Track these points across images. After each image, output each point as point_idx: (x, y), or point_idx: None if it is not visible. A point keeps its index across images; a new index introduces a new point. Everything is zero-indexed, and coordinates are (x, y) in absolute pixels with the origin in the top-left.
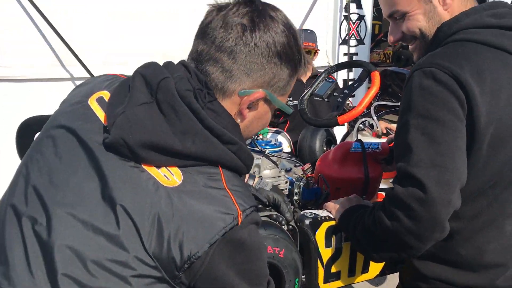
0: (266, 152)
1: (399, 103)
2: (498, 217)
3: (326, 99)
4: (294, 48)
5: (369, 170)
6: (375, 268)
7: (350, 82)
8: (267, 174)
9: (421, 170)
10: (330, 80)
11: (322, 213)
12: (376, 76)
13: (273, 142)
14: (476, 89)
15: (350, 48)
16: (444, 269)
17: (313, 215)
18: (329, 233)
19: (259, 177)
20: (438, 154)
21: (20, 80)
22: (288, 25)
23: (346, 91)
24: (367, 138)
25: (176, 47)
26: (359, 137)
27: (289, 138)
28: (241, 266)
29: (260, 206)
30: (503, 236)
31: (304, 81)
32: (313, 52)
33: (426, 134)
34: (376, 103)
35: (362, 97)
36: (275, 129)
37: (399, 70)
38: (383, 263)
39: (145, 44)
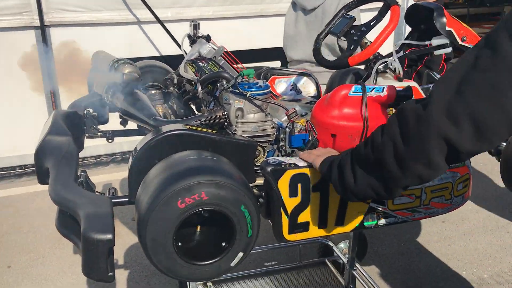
0: (248, 95)
1: (427, 43)
2: None
3: (342, 38)
4: None
5: (370, 116)
6: (351, 221)
7: None
8: (251, 118)
9: (447, 88)
10: (348, 17)
11: (289, 160)
12: (395, 11)
13: (259, 85)
14: None
15: None
16: None
17: (277, 161)
18: (294, 181)
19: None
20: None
21: (89, 24)
22: None
23: (363, 29)
24: (389, 81)
25: None
26: (380, 80)
27: (316, 81)
28: None
29: None
30: None
31: None
32: None
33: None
34: (402, 41)
35: (377, 35)
36: (300, 70)
37: (429, 5)
38: (360, 217)
39: None
